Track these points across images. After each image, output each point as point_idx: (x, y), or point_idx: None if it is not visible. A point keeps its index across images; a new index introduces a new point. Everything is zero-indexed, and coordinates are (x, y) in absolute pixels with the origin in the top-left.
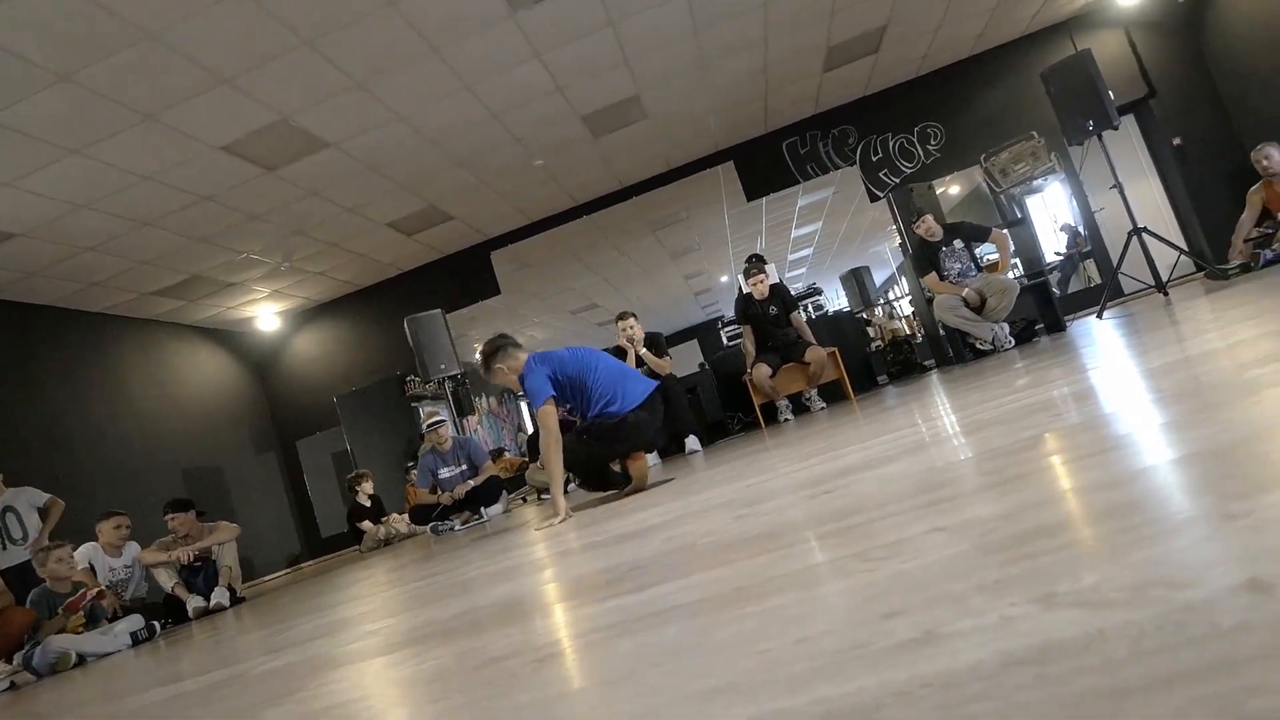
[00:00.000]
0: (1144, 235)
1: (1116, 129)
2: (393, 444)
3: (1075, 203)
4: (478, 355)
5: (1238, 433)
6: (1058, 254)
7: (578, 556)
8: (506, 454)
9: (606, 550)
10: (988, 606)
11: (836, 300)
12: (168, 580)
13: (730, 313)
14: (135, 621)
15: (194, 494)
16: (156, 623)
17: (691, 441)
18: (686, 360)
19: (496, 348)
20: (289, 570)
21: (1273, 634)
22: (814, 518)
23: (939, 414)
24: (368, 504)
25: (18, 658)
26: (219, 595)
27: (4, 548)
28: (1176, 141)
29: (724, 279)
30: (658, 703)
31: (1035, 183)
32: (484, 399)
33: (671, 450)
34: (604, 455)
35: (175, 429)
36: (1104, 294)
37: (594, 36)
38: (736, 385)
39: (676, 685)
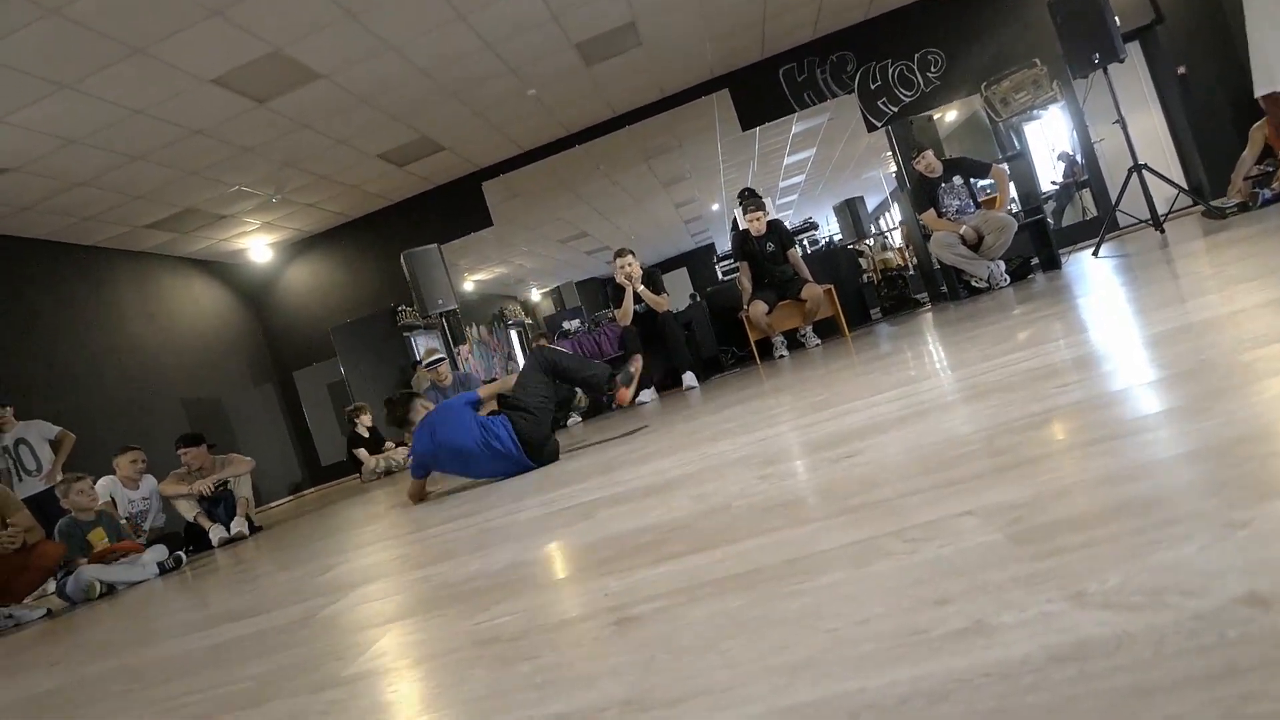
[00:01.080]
0: (1144, 172)
1: (1123, 62)
2: (387, 373)
3: (1075, 133)
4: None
5: (1239, 429)
6: (1053, 183)
7: (606, 511)
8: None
9: (634, 507)
10: (1027, 601)
11: (827, 226)
12: (189, 510)
13: (723, 244)
14: (160, 552)
15: (195, 425)
16: (182, 553)
17: (688, 378)
18: (677, 288)
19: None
20: (292, 497)
21: (1271, 646)
22: (839, 486)
23: (939, 369)
24: (366, 435)
25: (52, 585)
26: (238, 525)
27: (20, 479)
28: (1181, 71)
29: (715, 207)
30: (747, 673)
31: (1035, 111)
32: (474, 328)
33: (668, 385)
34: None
35: (174, 362)
36: (1101, 231)
37: None
38: (731, 320)
39: (759, 658)
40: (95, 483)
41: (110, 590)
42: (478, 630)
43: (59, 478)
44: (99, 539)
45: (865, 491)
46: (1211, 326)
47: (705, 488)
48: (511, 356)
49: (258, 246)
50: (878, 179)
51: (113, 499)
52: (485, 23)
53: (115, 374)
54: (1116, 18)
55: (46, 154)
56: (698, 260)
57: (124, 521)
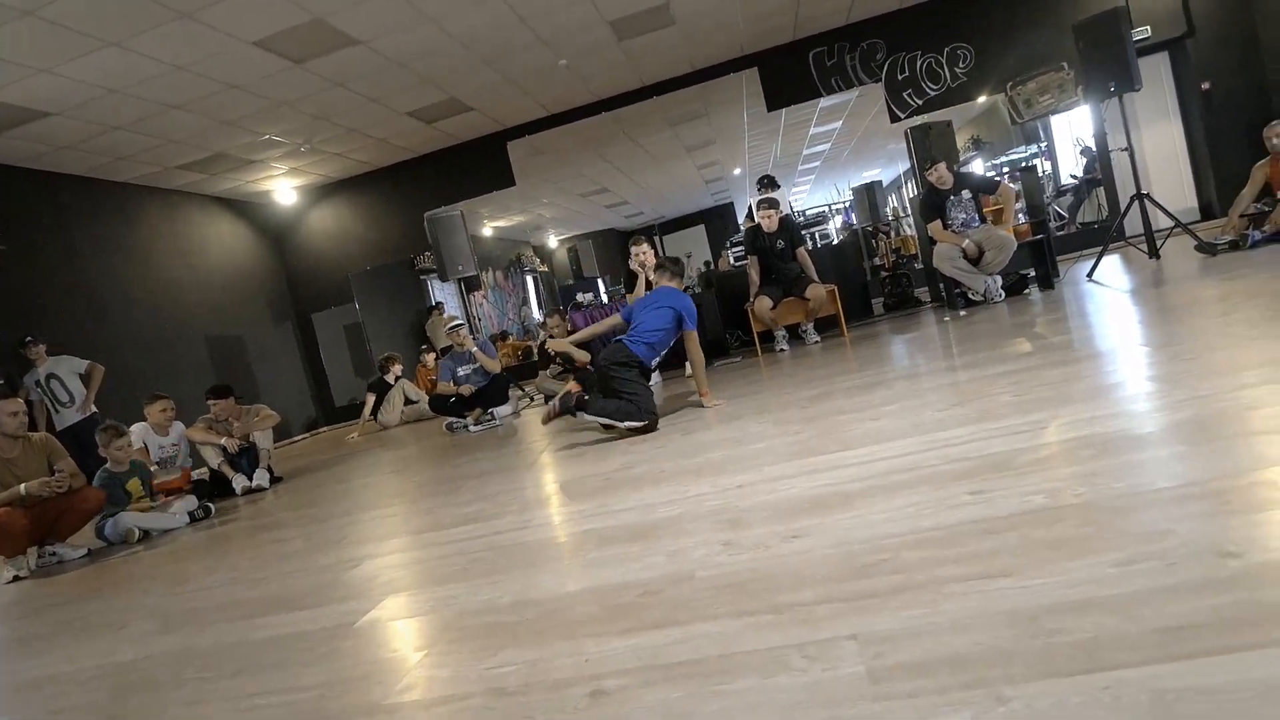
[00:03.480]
0: (1146, 200)
1: (1138, 91)
2: (403, 316)
3: (1095, 138)
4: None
5: (1235, 571)
6: (1073, 177)
7: (596, 552)
8: (511, 338)
9: (620, 552)
10: None
11: (840, 196)
12: (214, 458)
13: (741, 204)
14: (191, 502)
15: (217, 361)
16: (211, 504)
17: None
18: (695, 247)
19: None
20: (307, 435)
21: None
22: (777, 576)
23: (906, 427)
24: (392, 382)
25: (92, 528)
26: (260, 477)
27: (56, 411)
28: (1205, 86)
29: (737, 171)
30: None
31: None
32: (490, 273)
33: (673, 365)
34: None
35: (199, 298)
36: (1098, 256)
37: None
38: (739, 306)
39: None
40: (130, 429)
41: (146, 535)
42: (488, 676)
43: (92, 409)
44: (135, 488)
45: (794, 589)
46: (1215, 424)
47: (680, 542)
48: (525, 301)
49: (283, 189)
50: (901, 151)
51: (145, 445)
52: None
53: (145, 308)
54: (1148, 28)
55: (89, 100)
56: (716, 218)
57: (154, 467)
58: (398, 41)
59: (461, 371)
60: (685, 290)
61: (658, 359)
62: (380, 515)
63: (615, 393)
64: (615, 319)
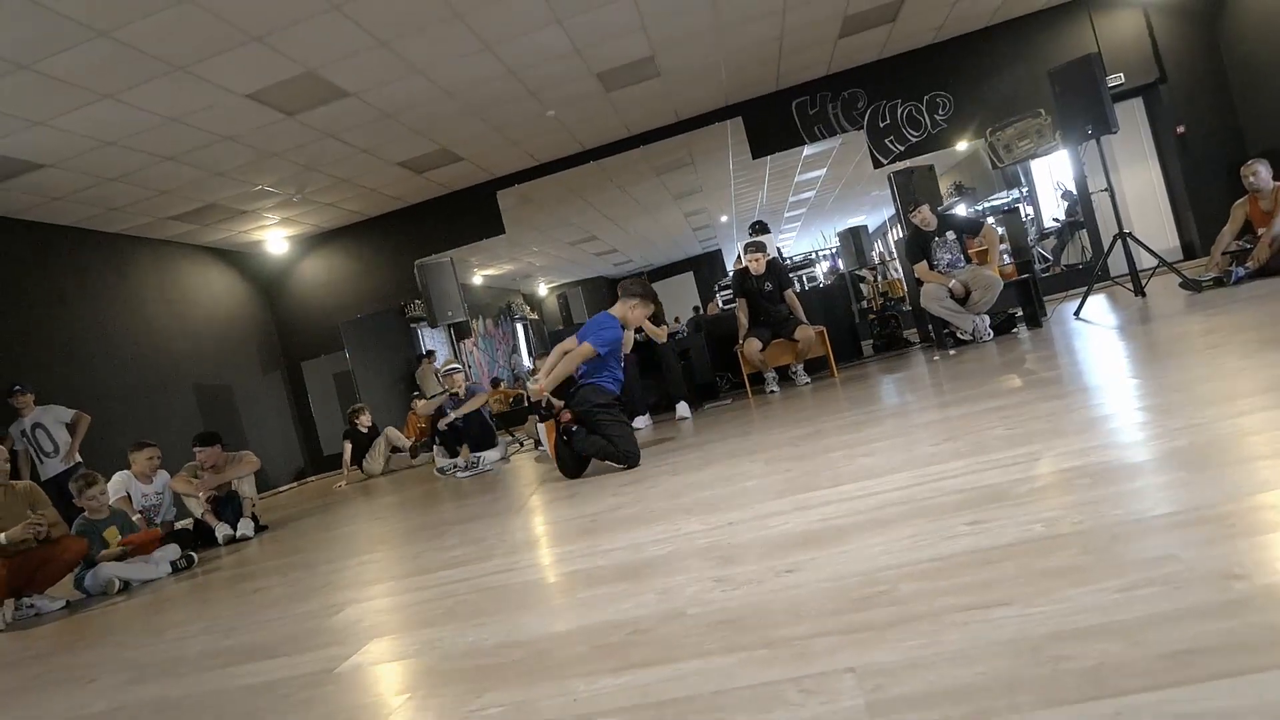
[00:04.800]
0: (1129, 239)
1: (1115, 134)
2: (393, 365)
3: (1074, 182)
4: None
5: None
6: (1055, 220)
7: (585, 592)
8: (503, 384)
9: (609, 592)
10: None
11: (826, 242)
12: (197, 507)
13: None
14: (173, 551)
15: (206, 410)
16: (194, 554)
17: (681, 408)
18: (682, 295)
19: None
20: (295, 484)
21: None
22: (772, 611)
23: (898, 464)
24: (365, 432)
25: (71, 579)
26: (244, 526)
27: (40, 461)
28: (1180, 130)
29: (724, 219)
30: None
31: (1038, 156)
32: (481, 321)
33: (660, 410)
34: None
35: (188, 347)
36: (1085, 293)
37: (614, 5)
38: (728, 348)
39: None
40: (108, 482)
41: (126, 586)
42: (471, 718)
43: (77, 458)
44: (113, 536)
45: (789, 623)
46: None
47: (671, 580)
48: (516, 349)
49: (275, 239)
50: (886, 198)
51: (128, 494)
52: (511, 53)
53: (133, 358)
54: (1122, 75)
55: (83, 152)
56: (704, 266)
57: (137, 516)
58: (388, 93)
59: (453, 413)
60: (672, 332)
61: (619, 381)
62: (365, 561)
63: (597, 431)
64: (585, 349)
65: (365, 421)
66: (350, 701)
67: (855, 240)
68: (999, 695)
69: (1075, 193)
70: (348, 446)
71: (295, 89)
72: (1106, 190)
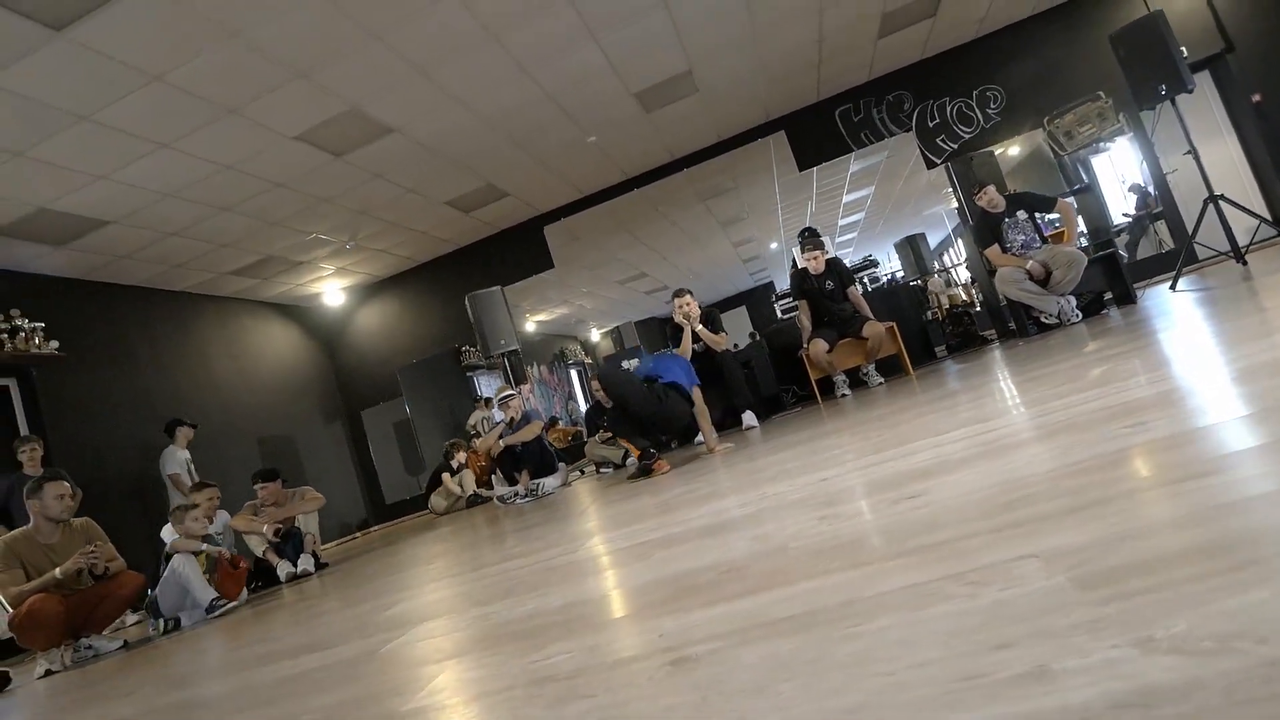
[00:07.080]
0: (1221, 202)
1: (1191, 92)
2: (451, 412)
3: (1146, 165)
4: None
5: None
6: (1125, 215)
7: (662, 552)
8: (560, 424)
9: (691, 547)
10: (1091, 646)
11: (888, 263)
12: (259, 545)
13: (782, 282)
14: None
15: (267, 462)
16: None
17: (748, 417)
18: (736, 327)
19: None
20: (359, 534)
21: None
22: (899, 529)
23: (1006, 407)
24: (455, 469)
25: (131, 616)
26: (305, 562)
27: None
28: (1256, 98)
29: (773, 246)
30: (799, 715)
31: (1102, 144)
32: (535, 367)
33: (727, 424)
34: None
35: (252, 401)
36: (1178, 264)
37: (648, 17)
38: (791, 358)
39: (812, 700)
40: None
41: (177, 625)
42: (533, 669)
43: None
44: (202, 562)
45: (925, 533)
46: None
47: (763, 528)
48: (572, 396)
49: (331, 290)
50: (939, 215)
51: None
52: (547, 76)
53: (198, 412)
54: (1184, 48)
55: (144, 206)
56: (757, 299)
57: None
58: (429, 126)
59: (505, 440)
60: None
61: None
62: (424, 567)
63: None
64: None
65: (460, 459)
66: (392, 674)
67: (913, 248)
68: (1220, 555)
69: (1143, 184)
70: (446, 477)
71: (340, 127)
72: (1189, 152)
